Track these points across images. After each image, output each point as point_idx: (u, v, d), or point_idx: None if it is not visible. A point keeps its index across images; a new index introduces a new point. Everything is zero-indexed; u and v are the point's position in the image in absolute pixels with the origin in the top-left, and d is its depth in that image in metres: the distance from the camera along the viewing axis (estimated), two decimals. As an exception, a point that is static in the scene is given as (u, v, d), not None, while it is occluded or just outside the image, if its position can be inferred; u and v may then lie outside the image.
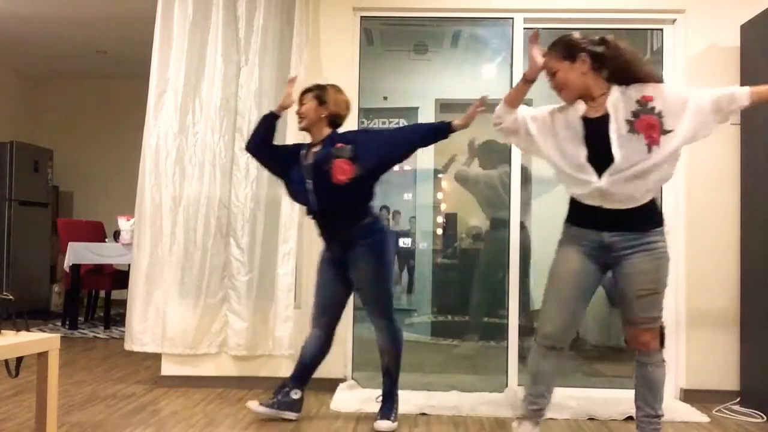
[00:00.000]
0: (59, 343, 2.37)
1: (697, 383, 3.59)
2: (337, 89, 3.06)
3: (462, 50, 5.15)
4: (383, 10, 3.87)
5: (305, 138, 3.11)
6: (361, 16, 3.86)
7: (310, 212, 3.04)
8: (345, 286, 3.06)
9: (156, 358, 3.82)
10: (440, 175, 5.47)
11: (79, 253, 5.57)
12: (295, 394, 3.08)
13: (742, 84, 3.59)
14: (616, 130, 2.37)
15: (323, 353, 3.12)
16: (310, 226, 3.70)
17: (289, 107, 3.10)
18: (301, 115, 3.02)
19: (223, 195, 3.66)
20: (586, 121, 2.43)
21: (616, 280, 2.48)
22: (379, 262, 2.98)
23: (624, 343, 2.56)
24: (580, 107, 2.47)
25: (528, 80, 2.51)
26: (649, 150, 2.34)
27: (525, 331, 3.72)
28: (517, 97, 2.55)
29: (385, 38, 4.86)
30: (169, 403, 3.36)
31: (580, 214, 2.49)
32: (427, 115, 5.33)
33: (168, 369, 3.70)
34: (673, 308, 3.69)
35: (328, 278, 3.07)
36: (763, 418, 3.27)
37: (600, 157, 2.38)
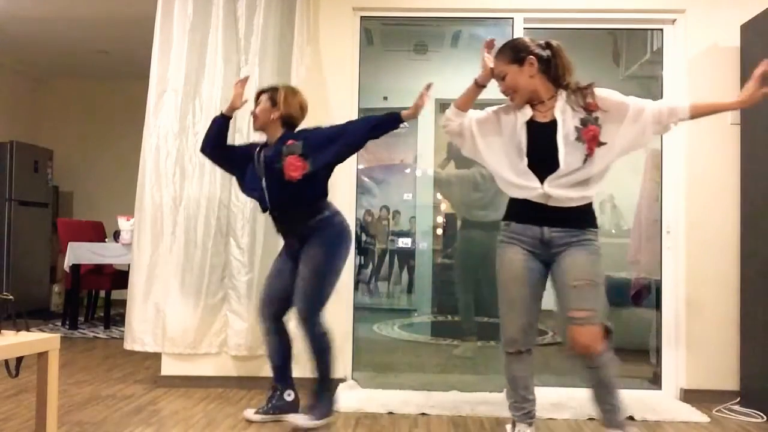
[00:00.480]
0: (59, 343, 2.37)
1: (697, 383, 3.59)
2: (292, 90, 3.08)
3: (462, 50, 5.15)
4: (383, 10, 3.87)
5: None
6: (361, 16, 3.86)
7: (264, 209, 3.04)
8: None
9: (156, 358, 3.82)
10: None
11: (79, 253, 5.57)
12: (288, 396, 3.05)
13: (742, 85, 3.59)
14: (564, 137, 2.41)
15: (288, 345, 3.07)
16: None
17: (239, 108, 3.10)
18: (254, 116, 3.06)
19: (223, 195, 3.66)
20: (533, 125, 2.47)
21: (554, 275, 2.50)
22: (326, 255, 2.92)
23: (569, 351, 2.43)
24: (527, 112, 2.50)
25: (479, 85, 2.56)
26: (585, 161, 2.40)
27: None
28: (467, 101, 2.57)
29: (385, 38, 4.87)
30: (169, 403, 3.36)
31: (522, 212, 2.51)
32: (427, 115, 5.33)
33: (168, 369, 3.70)
34: (673, 308, 3.69)
35: (282, 269, 3.04)
36: (763, 418, 3.27)
37: (543, 162, 2.43)
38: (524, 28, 3.76)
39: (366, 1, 3.81)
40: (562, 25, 3.81)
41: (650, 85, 4.48)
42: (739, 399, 3.50)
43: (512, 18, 3.78)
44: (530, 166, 2.44)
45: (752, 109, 3.50)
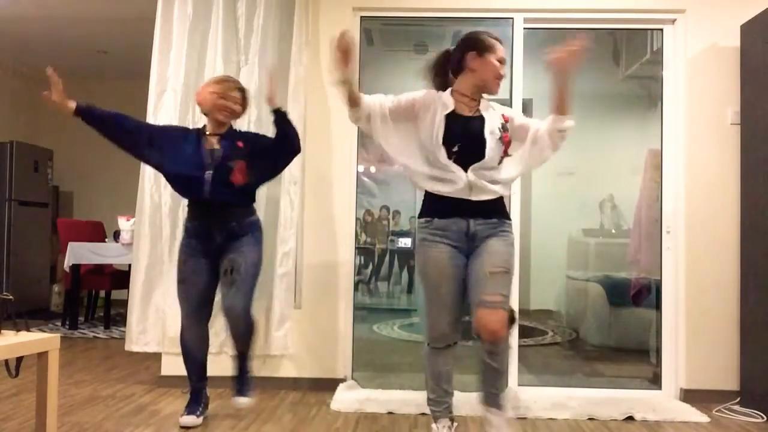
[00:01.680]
0: (59, 343, 2.38)
1: (697, 383, 3.59)
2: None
3: (462, 50, 5.15)
4: (383, 10, 3.87)
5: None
6: (361, 16, 3.86)
7: (196, 200, 2.97)
8: (216, 277, 3.02)
9: (156, 358, 3.82)
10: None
11: (79, 253, 5.57)
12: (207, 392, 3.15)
13: (742, 85, 3.61)
14: (490, 132, 2.50)
15: (208, 346, 3.16)
16: (310, 226, 3.72)
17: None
18: (228, 108, 2.98)
19: (223, 195, 3.65)
20: (457, 117, 2.51)
21: (471, 266, 2.51)
22: (260, 255, 3.04)
23: (473, 335, 2.49)
24: (449, 104, 2.53)
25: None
26: (500, 161, 2.54)
27: (525, 332, 3.72)
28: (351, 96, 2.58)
29: (385, 38, 4.87)
30: (169, 403, 3.36)
31: (444, 206, 2.51)
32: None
33: (168, 369, 3.70)
34: (673, 308, 3.69)
35: (199, 270, 2.99)
36: (763, 418, 3.27)
37: (466, 152, 2.47)
38: (524, 28, 3.76)
39: (366, 1, 3.81)
40: (562, 25, 3.81)
41: (650, 85, 4.48)
42: (739, 399, 3.50)
43: (512, 18, 3.78)
44: (450, 157, 2.47)
45: (752, 109, 3.51)
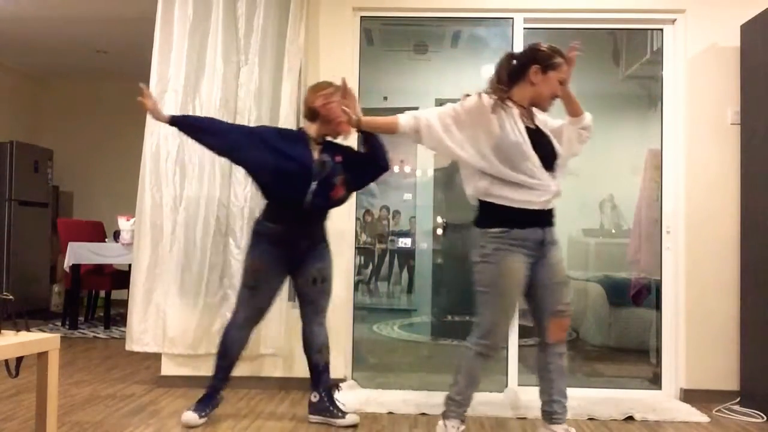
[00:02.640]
0: (59, 343, 2.38)
1: (697, 383, 3.59)
2: None
3: (462, 50, 5.15)
4: (383, 10, 3.87)
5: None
6: (361, 16, 3.86)
7: (291, 206, 2.91)
8: (283, 284, 3.08)
9: (156, 358, 3.82)
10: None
11: (79, 253, 5.57)
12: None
13: (742, 85, 3.61)
14: (554, 141, 2.59)
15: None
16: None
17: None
18: (335, 110, 2.87)
19: (222, 195, 3.66)
20: (528, 130, 2.53)
21: (538, 273, 2.56)
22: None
23: (542, 340, 2.62)
24: (517, 114, 2.52)
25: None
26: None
27: (525, 332, 3.72)
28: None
29: (385, 38, 4.87)
30: (169, 403, 3.36)
31: (522, 216, 2.50)
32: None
33: (168, 369, 3.70)
34: (673, 308, 3.69)
35: (278, 278, 3.01)
36: (763, 418, 3.27)
37: (545, 161, 2.52)
38: (524, 28, 3.76)
39: (366, 1, 3.81)
40: (562, 25, 3.81)
41: (650, 85, 4.48)
42: (739, 399, 3.50)
43: (512, 18, 3.78)
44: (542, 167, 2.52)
45: (752, 109, 3.51)
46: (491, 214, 2.54)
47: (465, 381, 2.59)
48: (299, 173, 2.88)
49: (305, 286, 3.02)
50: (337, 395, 3.09)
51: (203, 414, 2.98)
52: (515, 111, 2.53)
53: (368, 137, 2.93)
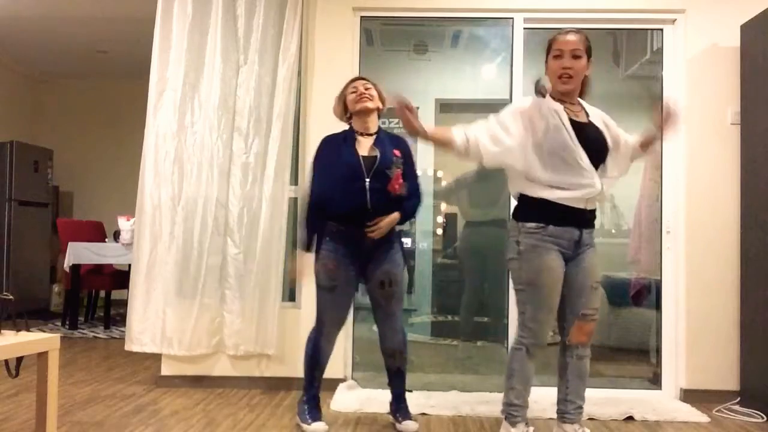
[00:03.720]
0: (59, 343, 2.37)
1: (697, 383, 3.59)
2: None
3: (462, 50, 5.15)
4: (383, 10, 3.87)
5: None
6: (361, 16, 3.86)
7: (360, 210, 2.78)
8: (356, 287, 2.96)
9: (156, 358, 3.82)
10: (440, 175, 5.47)
11: (79, 253, 5.57)
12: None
13: (742, 85, 3.60)
14: (608, 138, 2.53)
15: None
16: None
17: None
18: (368, 96, 2.87)
19: (220, 194, 3.66)
20: (576, 124, 2.48)
21: (570, 273, 2.53)
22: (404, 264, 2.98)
23: (563, 340, 2.63)
24: (561, 110, 2.48)
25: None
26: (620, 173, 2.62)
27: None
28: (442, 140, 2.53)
29: (385, 38, 4.86)
30: (169, 403, 3.36)
31: (560, 214, 2.48)
32: (428, 115, 5.33)
33: (168, 369, 3.70)
34: (673, 308, 3.69)
35: (352, 276, 2.87)
36: (763, 418, 3.27)
37: (593, 159, 2.47)
38: (524, 28, 3.76)
39: (366, 1, 3.81)
40: (562, 25, 3.79)
41: (650, 85, 4.48)
42: (739, 399, 3.50)
43: (512, 18, 3.79)
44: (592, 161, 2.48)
45: (752, 109, 3.51)
46: (529, 209, 2.51)
47: (520, 383, 2.57)
48: (349, 175, 2.78)
49: (374, 289, 2.91)
50: (408, 398, 3.05)
51: (319, 418, 2.93)
52: (557, 106, 2.48)
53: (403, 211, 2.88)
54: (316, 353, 2.93)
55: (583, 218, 2.51)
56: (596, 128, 2.53)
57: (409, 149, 2.97)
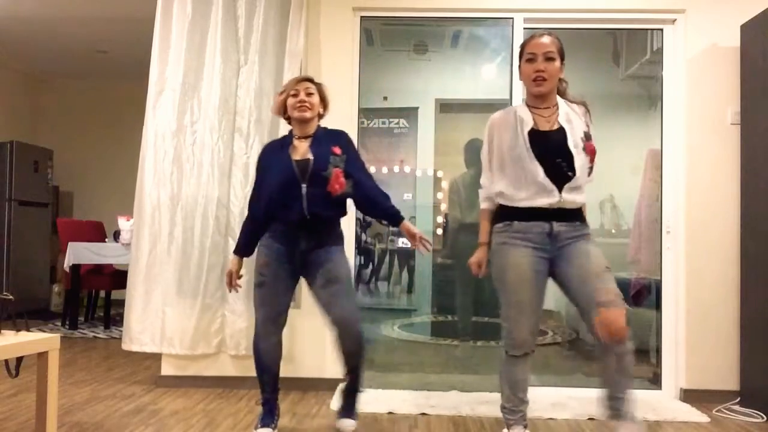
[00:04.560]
0: (59, 343, 2.38)
1: (697, 383, 3.59)
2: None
3: (462, 50, 5.16)
4: (383, 10, 3.87)
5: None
6: (361, 16, 3.86)
7: (298, 219, 2.71)
8: (294, 285, 2.87)
9: (156, 358, 3.82)
10: (440, 175, 5.48)
11: (79, 253, 5.57)
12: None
13: (742, 85, 3.61)
14: (574, 145, 2.46)
15: (281, 356, 2.92)
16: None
17: None
18: (308, 105, 2.78)
19: (221, 194, 3.66)
20: (537, 134, 2.46)
21: (566, 268, 2.45)
22: (350, 266, 2.89)
23: (596, 342, 2.42)
24: (528, 121, 2.48)
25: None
26: (590, 174, 2.53)
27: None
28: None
29: (385, 38, 4.87)
30: (169, 403, 3.36)
31: (525, 211, 2.47)
32: (428, 115, 5.33)
33: (168, 369, 3.70)
34: (673, 308, 3.69)
35: (281, 277, 2.79)
36: (763, 418, 3.27)
37: (554, 169, 2.43)
38: (524, 28, 3.76)
39: (366, 1, 3.81)
40: (562, 25, 3.81)
41: (650, 85, 4.48)
42: (739, 399, 3.50)
43: (512, 18, 3.79)
44: (546, 176, 2.43)
45: (752, 109, 3.51)
46: (498, 213, 2.56)
47: (507, 387, 2.55)
48: (284, 182, 2.71)
49: (318, 290, 2.80)
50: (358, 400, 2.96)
51: (273, 426, 2.82)
52: (525, 115, 2.49)
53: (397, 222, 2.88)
54: (256, 354, 2.84)
55: (548, 212, 2.45)
56: (564, 135, 2.46)
57: (348, 142, 2.86)
